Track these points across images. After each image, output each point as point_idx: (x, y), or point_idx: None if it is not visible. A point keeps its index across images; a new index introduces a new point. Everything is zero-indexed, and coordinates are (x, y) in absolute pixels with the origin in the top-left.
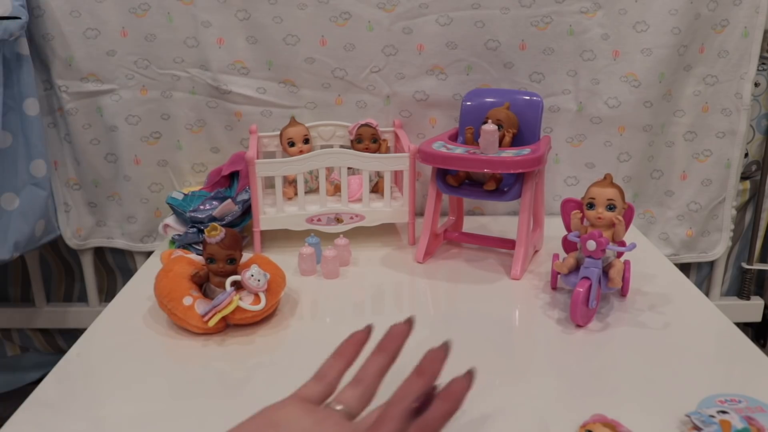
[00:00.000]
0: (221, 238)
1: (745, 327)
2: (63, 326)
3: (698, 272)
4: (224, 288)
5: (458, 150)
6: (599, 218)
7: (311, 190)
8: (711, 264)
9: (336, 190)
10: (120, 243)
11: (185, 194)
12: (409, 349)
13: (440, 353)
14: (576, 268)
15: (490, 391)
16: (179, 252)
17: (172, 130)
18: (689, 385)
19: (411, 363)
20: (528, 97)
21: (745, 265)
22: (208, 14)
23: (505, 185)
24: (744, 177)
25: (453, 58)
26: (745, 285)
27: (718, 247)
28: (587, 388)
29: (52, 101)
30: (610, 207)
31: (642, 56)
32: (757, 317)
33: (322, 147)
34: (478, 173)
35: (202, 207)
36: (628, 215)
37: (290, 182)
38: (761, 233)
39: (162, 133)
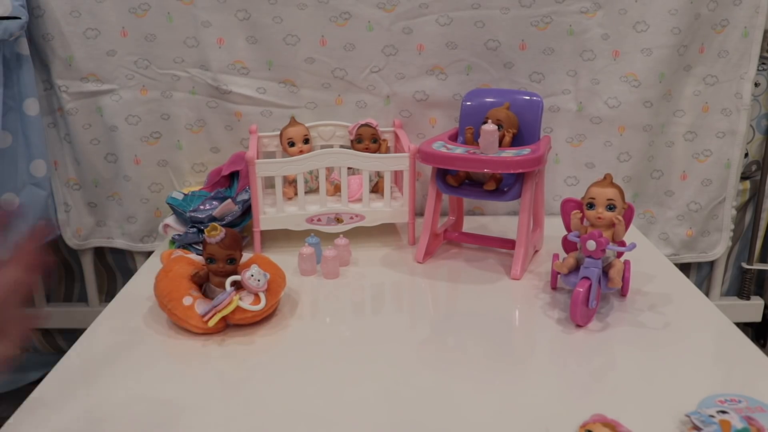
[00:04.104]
0: (221, 238)
1: (745, 327)
2: (63, 326)
3: (698, 272)
4: (224, 288)
5: (458, 150)
6: (599, 218)
7: (311, 190)
8: (711, 264)
9: (336, 190)
10: (120, 243)
11: (185, 194)
12: (411, 349)
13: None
14: (576, 268)
15: (490, 391)
16: (179, 252)
17: (172, 130)
18: (689, 385)
19: (412, 363)
20: (528, 97)
21: (745, 265)
22: (208, 14)
23: (505, 185)
24: (744, 177)
25: (453, 58)
26: (745, 285)
27: (718, 247)
28: (587, 388)
29: (52, 101)
30: (610, 207)
31: (642, 56)
32: (757, 317)
33: (322, 147)
34: (478, 173)
35: (202, 207)
36: (628, 215)
37: (290, 182)
38: (761, 233)
39: (162, 133)
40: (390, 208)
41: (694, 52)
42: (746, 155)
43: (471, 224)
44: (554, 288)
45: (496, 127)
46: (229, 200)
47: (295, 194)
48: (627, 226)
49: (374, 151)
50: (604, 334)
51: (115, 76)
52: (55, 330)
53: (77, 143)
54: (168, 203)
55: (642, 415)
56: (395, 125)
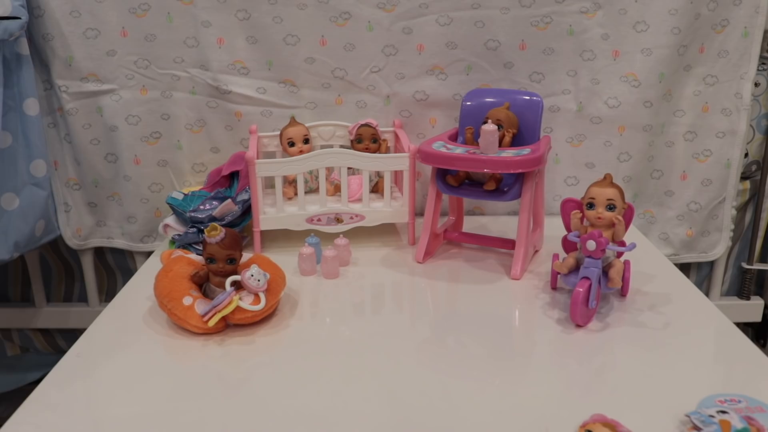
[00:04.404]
0: (221, 238)
1: (745, 327)
2: (63, 326)
3: (698, 272)
4: (224, 288)
5: (458, 150)
6: (599, 218)
7: (311, 190)
8: (711, 264)
9: (336, 190)
10: (120, 243)
11: (185, 194)
12: (411, 349)
13: None
14: (576, 268)
15: (490, 391)
16: (179, 252)
17: (172, 130)
18: (689, 385)
19: (412, 363)
20: (528, 97)
21: (745, 265)
22: (208, 14)
23: (505, 185)
24: (744, 177)
25: (453, 58)
26: (745, 285)
27: (718, 247)
28: (587, 388)
29: (52, 101)
30: (610, 207)
31: (642, 56)
32: (757, 317)
33: (322, 147)
34: (478, 173)
35: (202, 207)
36: (628, 215)
37: (290, 182)
38: (761, 233)
39: (162, 133)
40: (390, 208)
41: (694, 52)
42: (746, 155)
43: (471, 224)
44: (554, 288)
45: (496, 127)
46: (229, 200)
47: (295, 194)
48: (627, 226)
49: (374, 151)
50: (604, 334)
51: (115, 76)
52: (55, 330)
53: (77, 143)
54: (168, 203)
55: (642, 415)
56: (395, 125)
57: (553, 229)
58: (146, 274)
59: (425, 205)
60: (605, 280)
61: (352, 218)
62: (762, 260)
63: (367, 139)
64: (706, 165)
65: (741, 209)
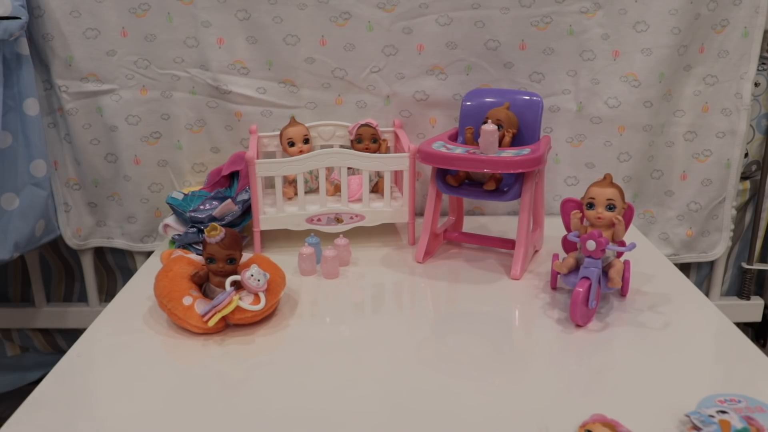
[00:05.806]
0: (221, 238)
1: (745, 327)
2: (63, 326)
3: (698, 272)
4: (224, 288)
5: (458, 150)
6: (599, 218)
7: (311, 190)
8: (711, 264)
9: (336, 190)
10: (120, 243)
11: (185, 194)
12: (411, 349)
13: None
14: (576, 268)
15: (490, 391)
16: (179, 252)
17: (172, 130)
18: (689, 385)
19: (412, 363)
20: (528, 97)
21: (745, 265)
22: (208, 14)
23: (505, 185)
24: (744, 177)
25: (453, 58)
26: (745, 285)
27: (718, 247)
28: (587, 388)
29: (52, 101)
30: (610, 207)
31: (642, 56)
32: (757, 317)
33: (322, 147)
34: (478, 173)
35: (202, 207)
36: (628, 215)
37: (290, 182)
38: (761, 233)
39: (162, 133)
40: (390, 208)
41: (694, 52)
42: (746, 155)
43: (471, 224)
44: (554, 288)
45: (496, 127)
46: (229, 200)
47: (295, 194)
48: (627, 226)
49: (374, 151)
50: (604, 334)
51: (115, 76)
52: (55, 330)
53: (77, 143)
54: (168, 203)
55: (642, 415)
56: (395, 125)
57: (553, 229)
58: (146, 274)
59: (425, 205)
60: (605, 280)
61: (352, 218)
62: (762, 260)
63: (367, 139)
64: (706, 165)
65: (741, 209)
